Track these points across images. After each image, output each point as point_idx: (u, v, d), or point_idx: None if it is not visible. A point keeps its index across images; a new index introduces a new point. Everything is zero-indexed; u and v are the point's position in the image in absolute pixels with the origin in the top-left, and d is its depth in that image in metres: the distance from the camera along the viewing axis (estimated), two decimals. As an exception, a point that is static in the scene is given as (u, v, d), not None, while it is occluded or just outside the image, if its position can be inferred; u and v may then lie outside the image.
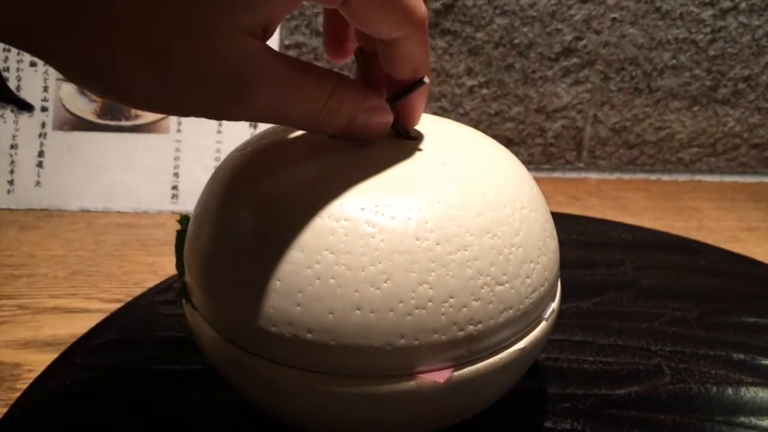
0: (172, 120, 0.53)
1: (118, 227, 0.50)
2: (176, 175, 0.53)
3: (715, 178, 0.66)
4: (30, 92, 0.53)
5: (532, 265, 0.24)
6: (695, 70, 0.62)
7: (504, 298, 0.22)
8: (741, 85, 0.63)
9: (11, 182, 0.52)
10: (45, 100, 0.53)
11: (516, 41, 0.60)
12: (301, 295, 0.21)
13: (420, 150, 0.25)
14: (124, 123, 0.53)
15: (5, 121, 0.53)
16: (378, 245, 0.21)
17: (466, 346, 0.22)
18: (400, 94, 0.25)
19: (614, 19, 0.60)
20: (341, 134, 0.24)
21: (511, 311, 0.23)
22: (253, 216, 0.23)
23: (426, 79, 0.24)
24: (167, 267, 0.44)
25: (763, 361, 0.34)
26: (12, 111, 0.20)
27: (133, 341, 0.35)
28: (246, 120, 0.21)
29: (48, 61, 0.19)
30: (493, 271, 0.22)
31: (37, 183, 0.52)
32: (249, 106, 0.21)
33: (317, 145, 0.26)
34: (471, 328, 0.22)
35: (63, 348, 0.34)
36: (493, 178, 0.24)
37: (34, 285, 0.42)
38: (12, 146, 0.52)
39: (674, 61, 0.62)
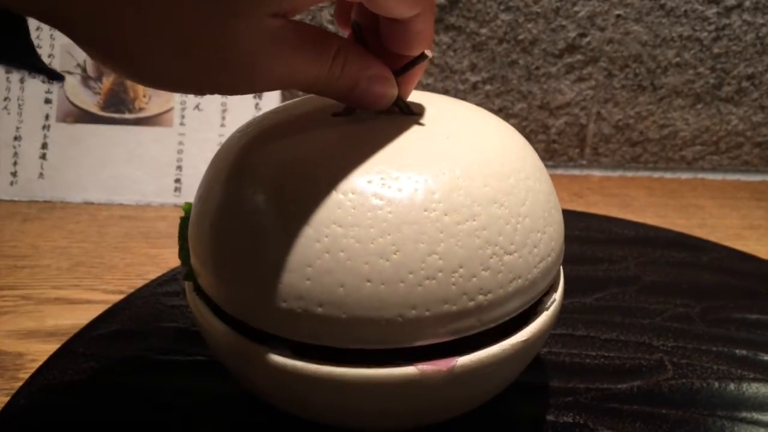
0: (176, 113, 0.53)
1: (121, 219, 0.50)
2: (179, 168, 0.53)
3: (717, 176, 0.65)
4: (34, 85, 0.53)
5: (539, 234, 0.24)
6: (699, 68, 0.62)
7: (513, 268, 0.22)
8: (745, 84, 0.63)
9: (14, 174, 0.52)
10: (49, 92, 0.53)
11: (520, 37, 0.60)
12: (310, 269, 0.21)
13: (422, 124, 0.25)
14: (127, 116, 0.53)
15: (9, 113, 0.53)
16: (386, 217, 0.21)
17: (477, 315, 0.22)
18: (405, 67, 0.25)
19: (618, 16, 0.60)
20: (346, 101, 0.24)
21: (519, 281, 0.23)
22: (258, 192, 0.23)
23: (429, 53, 0.25)
24: (170, 259, 0.44)
25: (765, 357, 0.34)
26: (43, 81, 0.21)
27: (136, 332, 0.35)
28: (256, 92, 0.22)
29: (78, 42, 0.20)
30: (501, 241, 0.22)
31: (41, 175, 0.52)
32: (262, 81, 0.21)
33: (320, 122, 0.26)
34: (481, 297, 0.22)
35: (65, 338, 0.34)
36: (496, 149, 0.24)
37: (37, 276, 0.42)
38: (15, 138, 0.52)
39: (678, 59, 0.62)
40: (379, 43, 0.25)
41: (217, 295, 0.24)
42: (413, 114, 0.26)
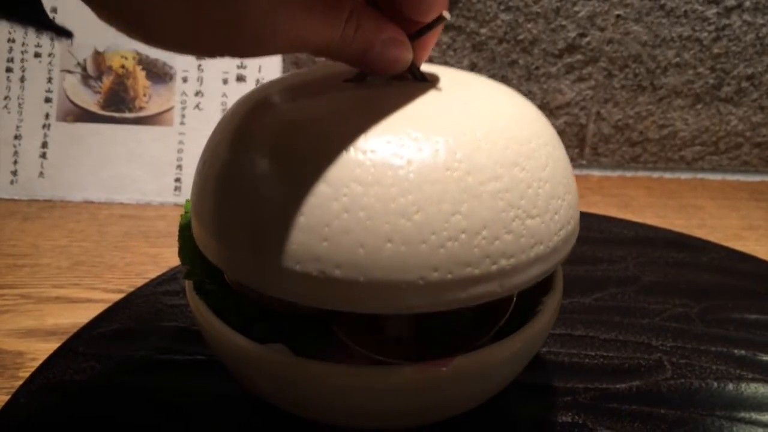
0: (176, 112, 0.53)
1: (121, 218, 0.50)
2: (179, 167, 0.53)
3: (717, 177, 0.66)
4: (34, 84, 0.53)
5: (559, 201, 0.23)
6: (699, 68, 0.62)
7: (535, 233, 0.22)
8: (744, 84, 0.63)
9: (15, 173, 0.52)
10: (49, 91, 0.53)
11: (520, 37, 0.60)
12: (328, 229, 0.20)
13: (438, 90, 0.25)
14: (127, 115, 0.53)
15: (9, 112, 0.53)
16: (407, 176, 0.20)
17: (499, 280, 0.21)
18: (421, 31, 0.24)
19: (618, 16, 0.60)
20: (359, 65, 0.24)
21: (541, 247, 0.22)
22: (268, 152, 0.22)
23: (447, 14, 0.24)
24: (170, 258, 0.44)
25: (764, 357, 0.34)
26: (51, 39, 0.21)
27: (136, 331, 0.35)
28: (268, 55, 0.21)
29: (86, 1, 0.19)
30: (524, 205, 0.22)
31: (41, 174, 0.52)
32: (273, 43, 0.21)
33: (331, 87, 0.25)
34: (503, 261, 0.21)
35: (65, 337, 0.34)
36: (515, 115, 0.24)
37: (37, 275, 0.42)
38: (16, 137, 0.52)
39: (678, 59, 0.62)
40: (391, 7, 0.24)
41: (225, 262, 0.23)
42: (427, 81, 0.25)
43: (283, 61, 0.56)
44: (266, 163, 0.22)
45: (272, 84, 0.26)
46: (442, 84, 0.25)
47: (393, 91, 0.24)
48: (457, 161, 0.21)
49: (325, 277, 0.20)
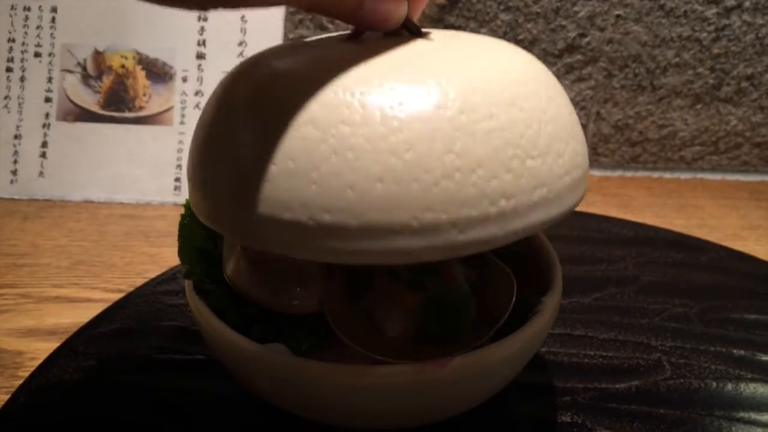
0: (176, 112, 0.53)
1: (121, 218, 0.50)
2: (179, 166, 0.53)
3: (717, 177, 0.66)
4: (34, 83, 0.53)
5: (563, 145, 0.22)
6: (698, 68, 0.62)
7: (536, 174, 0.21)
8: (744, 84, 0.63)
9: (14, 172, 0.52)
10: (49, 90, 0.53)
11: (520, 37, 0.60)
12: (316, 173, 0.20)
13: (433, 41, 0.24)
14: (127, 114, 0.53)
15: (9, 112, 0.53)
16: (398, 115, 0.20)
17: (499, 224, 0.20)
18: None
19: (618, 16, 0.60)
20: (352, 21, 0.23)
21: (544, 190, 0.21)
22: (256, 101, 0.22)
23: None
24: (170, 258, 0.44)
25: (763, 358, 0.34)
26: None
27: (136, 331, 0.35)
28: (260, 6, 0.20)
29: None
30: (524, 144, 0.21)
31: (41, 173, 0.52)
32: None
33: (326, 45, 0.25)
34: (503, 203, 0.20)
35: (65, 337, 0.34)
36: (513, 61, 0.23)
37: (37, 274, 0.42)
38: (16, 136, 0.53)
39: (678, 59, 0.62)
40: None
41: (219, 222, 0.22)
42: (423, 36, 0.25)
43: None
44: (252, 112, 0.22)
45: (268, 49, 0.26)
46: (438, 38, 0.25)
47: (387, 44, 0.24)
48: (450, 100, 0.20)
49: (314, 224, 0.20)
